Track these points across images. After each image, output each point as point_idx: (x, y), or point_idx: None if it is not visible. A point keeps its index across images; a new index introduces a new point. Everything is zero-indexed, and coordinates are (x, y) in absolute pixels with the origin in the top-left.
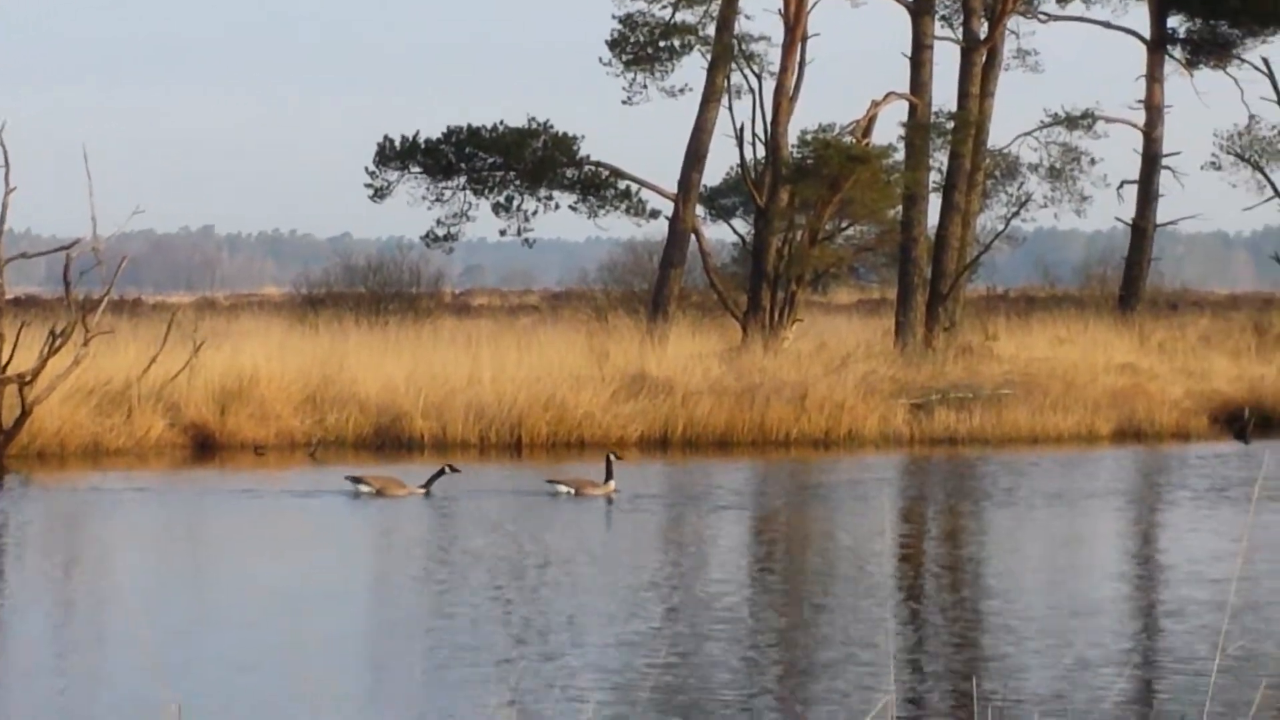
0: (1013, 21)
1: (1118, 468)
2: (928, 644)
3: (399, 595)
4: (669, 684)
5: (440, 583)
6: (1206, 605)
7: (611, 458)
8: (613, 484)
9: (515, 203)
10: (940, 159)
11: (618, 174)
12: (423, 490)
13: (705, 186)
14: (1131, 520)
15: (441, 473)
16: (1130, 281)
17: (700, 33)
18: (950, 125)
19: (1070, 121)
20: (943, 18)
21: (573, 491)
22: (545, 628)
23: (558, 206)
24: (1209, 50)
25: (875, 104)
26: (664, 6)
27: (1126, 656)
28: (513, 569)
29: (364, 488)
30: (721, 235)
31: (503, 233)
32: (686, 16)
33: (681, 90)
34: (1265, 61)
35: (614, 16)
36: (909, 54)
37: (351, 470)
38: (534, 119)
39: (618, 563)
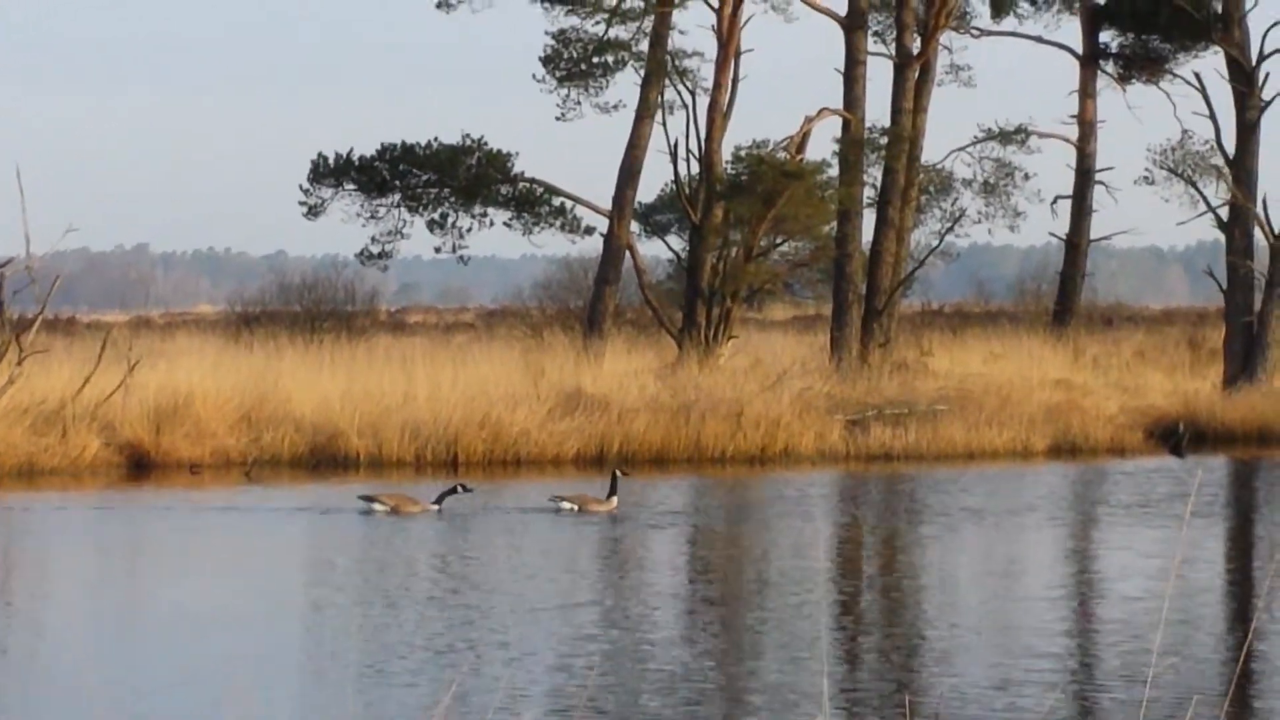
0: (945, 37)
1: (1053, 484)
2: (861, 663)
3: (323, 615)
4: (600, 703)
5: (366, 602)
6: (1139, 622)
7: (618, 474)
8: (614, 500)
9: (450, 220)
10: (874, 174)
11: (552, 191)
12: (435, 507)
13: (640, 203)
14: (1066, 537)
15: (454, 490)
16: (1064, 297)
17: (634, 49)
18: (884, 141)
19: (1004, 137)
20: (876, 33)
21: (576, 508)
22: (477, 644)
23: (492, 224)
24: (1141, 65)
25: (809, 120)
26: (597, 23)
27: (1058, 675)
28: (448, 586)
29: (378, 506)
30: (656, 252)
31: (437, 250)
32: (620, 33)
33: (615, 106)
34: (1197, 76)
35: (547, 33)
36: (842, 70)
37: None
38: (468, 136)
39: (554, 579)
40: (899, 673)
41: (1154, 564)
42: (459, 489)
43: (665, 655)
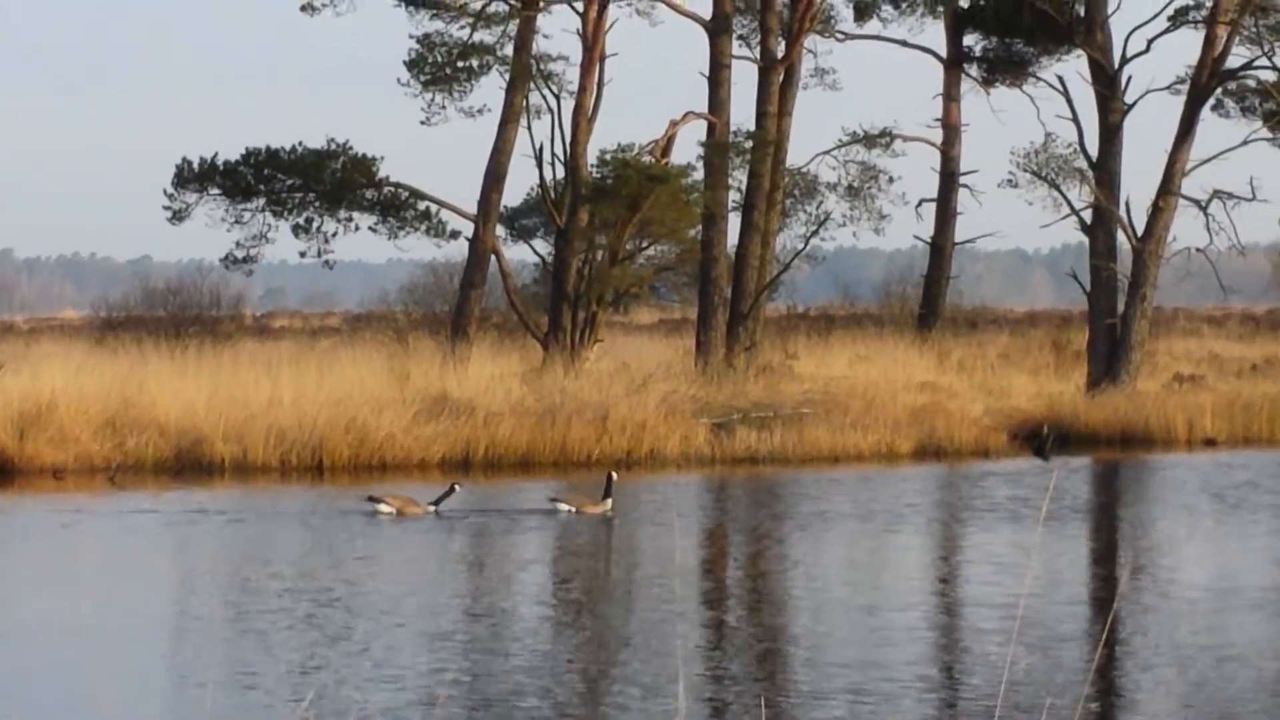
0: (810, 40)
1: (917, 486)
2: (719, 666)
3: (183, 623)
4: (461, 705)
5: (230, 604)
6: (995, 624)
7: (613, 475)
8: (609, 503)
9: (315, 224)
10: (739, 178)
11: (417, 195)
12: (434, 509)
13: (506, 207)
14: (928, 539)
15: (450, 491)
16: (929, 300)
17: (498, 53)
18: (749, 144)
19: (868, 140)
20: (740, 37)
21: (573, 510)
22: (344, 646)
23: (357, 228)
24: (1005, 69)
25: (674, 124)
26: (462, 27)
27: (912, 677)
28: (315, 588)
29: (384, 508)
30: (522, 256)
31: (303, 254)
32: (484, 37)
33: (480, 111)
34: (1060, 80)
35: (412, 37)
36: (707, 73)
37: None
38: (333, 140)
39: (422, 582)
40: (757, 674)
41: (1013, 566)
42: (454, 489)
43: (522, 657)
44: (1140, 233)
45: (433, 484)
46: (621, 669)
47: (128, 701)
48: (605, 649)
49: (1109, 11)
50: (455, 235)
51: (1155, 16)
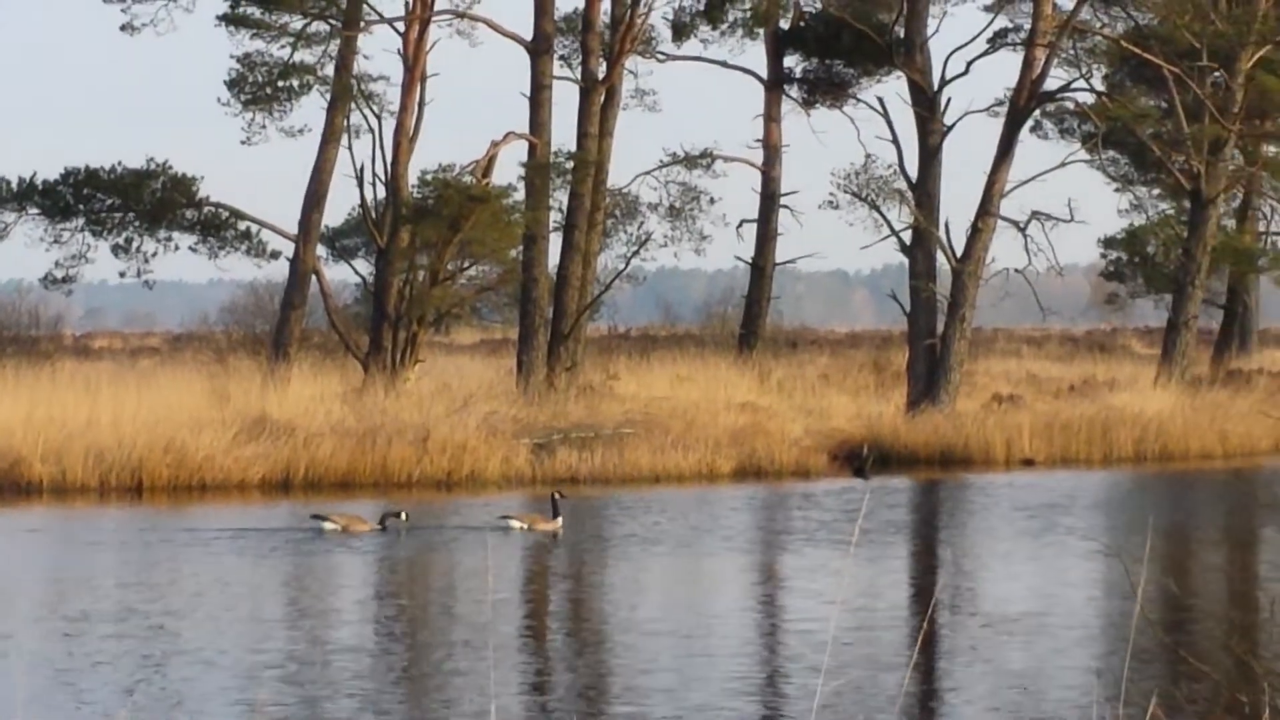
0: (631, 61)
1: (736, 506)
2: (533, 691)
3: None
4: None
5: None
6: (808, 644)
7: (556, 496)
8: (559, 521)
9: (134, 244)
10: (560, 198)
11: (237, 215)
12: (380, 527)
13: (327, 227)
14: (744, 559)
15: (397, 514)
16: (750, 320)
17: (319, 73)
18: (570, 165)
19: (689, 161)
20: (561, 57)
21: (526, 527)
22: (164, 664)
23: (177, 248)
24: (825, 90)
25: (495, 144)
26: (282, 47)
27: (724, 699)
28: (135, 605)
29: (329, 525)
30: (344, 276)
31: (122, 274)
32: (305, 56)
33: (301, 130)
34: (880, 101)
35: (232, 56)
36: (528, 94)
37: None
38: (153, 160)
39: (229, 605)
40: (572, 697)
41: (826, 589)
42: (402, 514)
43: (338, 679)
44: (959, 254)
45: (254, 505)
46: (431, 686)
47: None
48: (410, 680)
49: (928, 34)
50: (276, 255)
51: (974, 39)
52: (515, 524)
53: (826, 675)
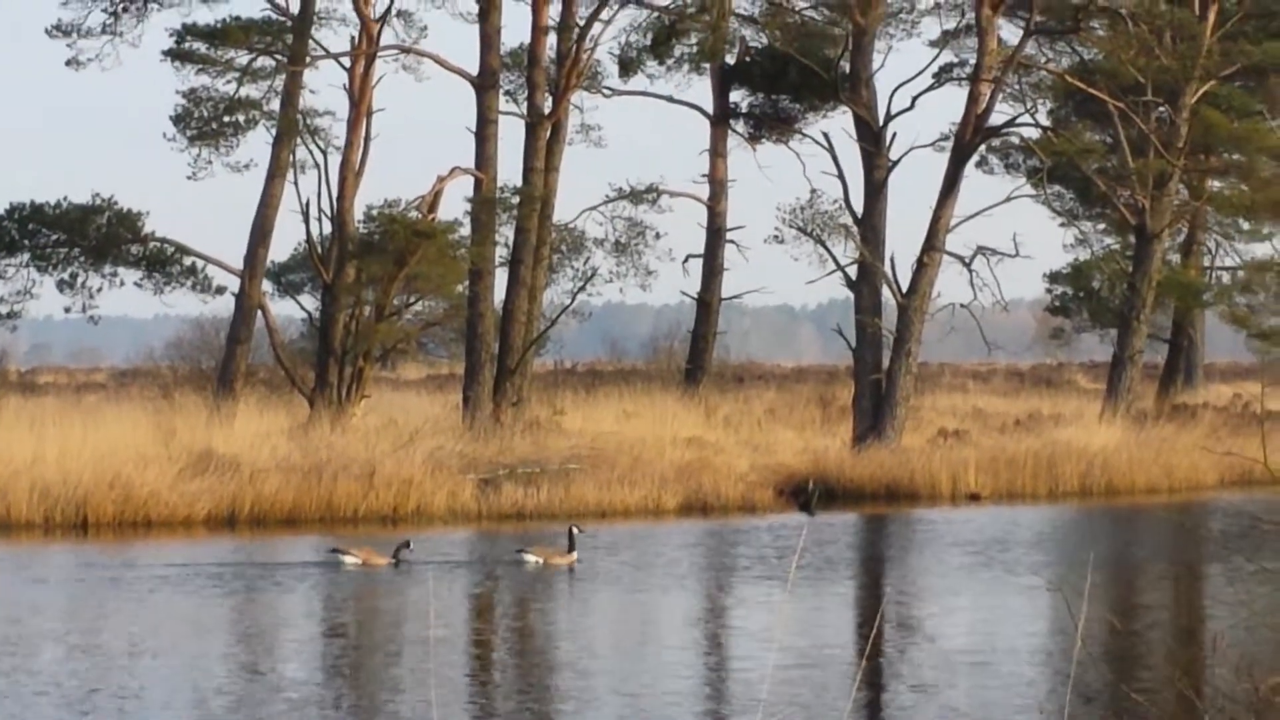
0: (577, 97)
1: (680, 541)
2: None
3: None
4: None
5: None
6: (749, 679)
7: (574, 530)
8: (575, 555)
9: (80, 280)
10: (506, 233)
11: (183, 250)
12: (394, 561)
13: (273, 262)
14: (688, 594)
15: (406, 545)
16: (696, 355)
17: (265, 108)
18: (516, 200)
19: (635, 196)
20: (507, 93)
21: (541, 561)
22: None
23: (123, 283)
24: (771, 125)
25: (441, 179)
26: (228, 82)
27: None
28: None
29: (349, 559)
30: (289, 311)
31: (68, 310)
32: (251, 91)
33: (247, 166)
34: (826, 136)
35: (178, 91)
36: (474, 129)
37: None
38: (98, 195)
39: (170, 641)
40: None
41: (769, 622)
42: (408, 545)
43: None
44: (905, 288)
45: (201, 541)
46: None
47: None
48: (361, 709)
49: (874, 69)
50: (221, 290)
51: (920, 74)
52: (531, 558)
53: (765, 712)
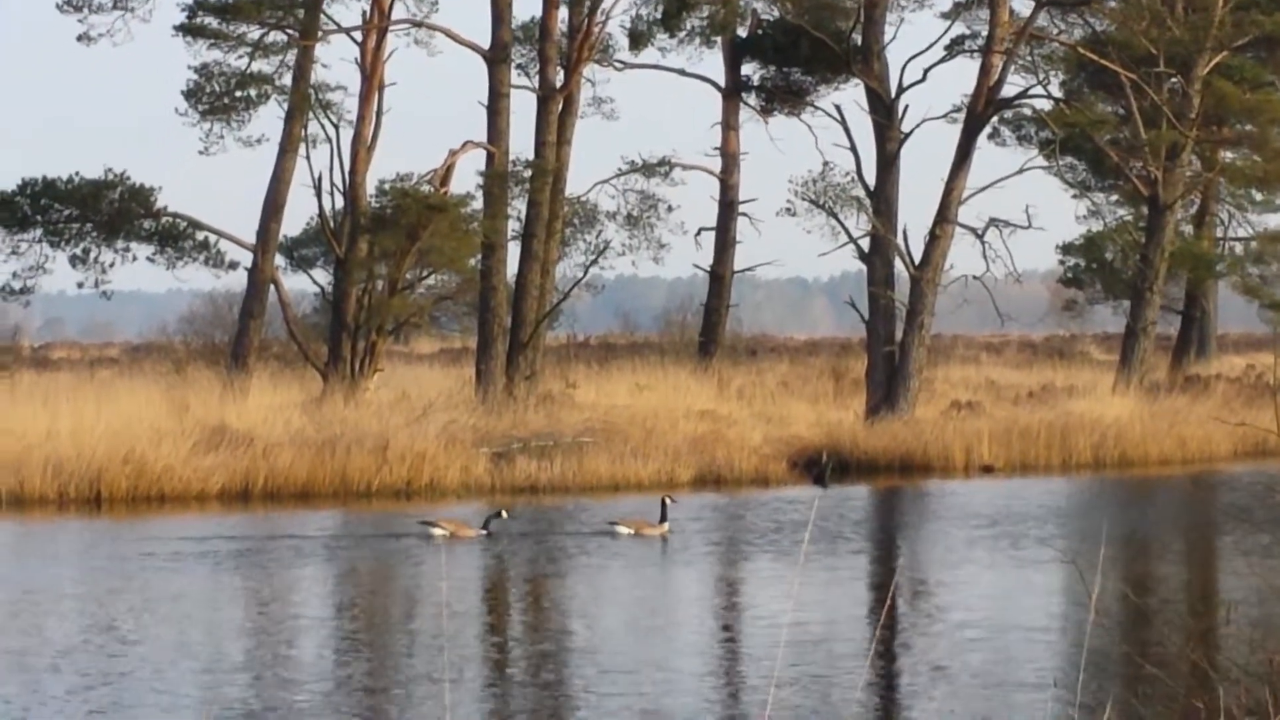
0: (589, 70)
1: (695, 514)
2: (493, 701)
3: None
4: None
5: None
6: (761, 650)
7: (667, 500)
8: (666, 525)
9: (92, 255)
10: (519, 207)
11: (195, 225)
12: (484, 532)
13: (285, 237)
14: (701, 571)
15: (497, 514)
16: (709, 328)
17: (277, 82)
18: (528, 173)
19: (647, 169)
20: (519, 66)
21: (632, 532)
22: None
23: (135, 258)
24: (783, 98)
25: (453, 153)
26: (240, 57)
27: (681, 705)
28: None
29: (437, 531)
30: (302, 286)
31: (80, 285)
32: (262, 66)
33: (259, 140)
34: (838, 108)
35: (190, 66)
36: (486, 103)
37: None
38: (110, 170)
39: (190, 614)
40: (531, 707)
41: (782, 597)
42: (502, 513)
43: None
44: (918, 260)
45: (213, 515)
46: (390, 699)
47: None
48: (378, 681)
49: (886, 41)
50: (234, 265)
51: (932, 46)
52: (623, 529)
53: (779, 684)
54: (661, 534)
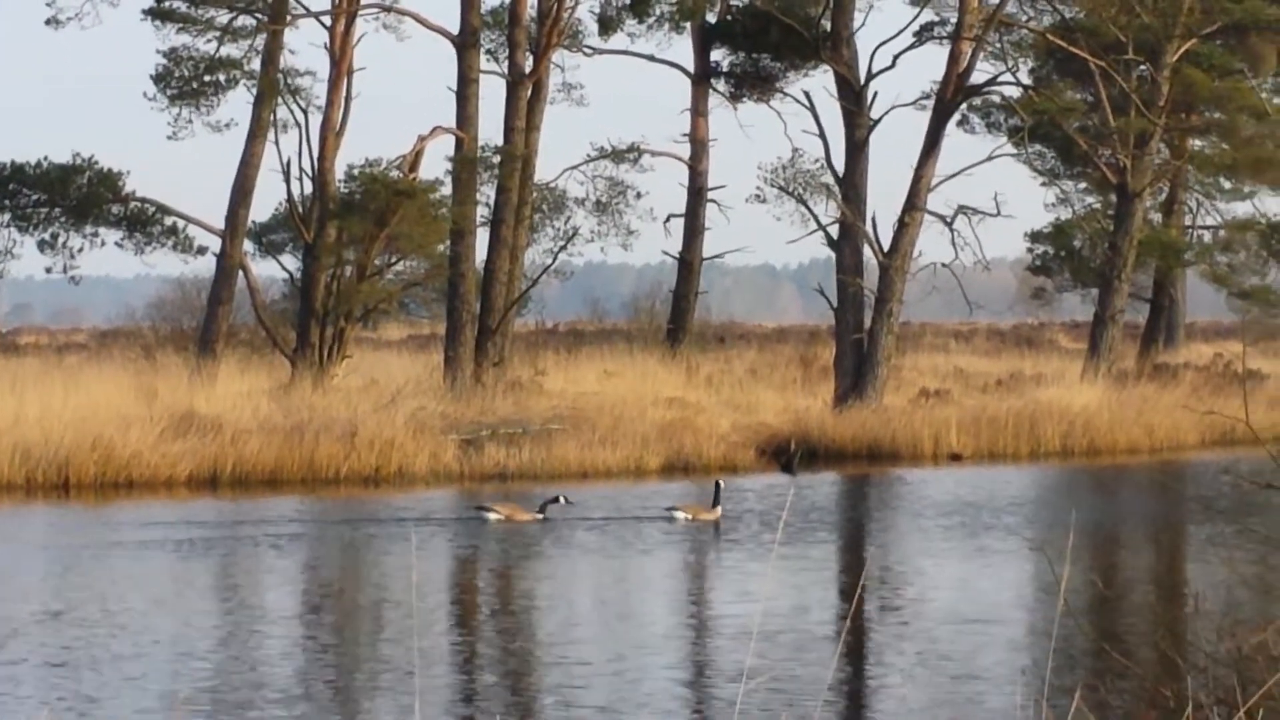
0: (558, 55)
1: (664, 502)
2: (460, 691)
3: None
4: None
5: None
6: (731, 639)
7: (719, 484)
8: (719, 510)
9: (60, 240)
10: (488, 193)
11: (164, 210)
12: (541, 516)
13: (254, 222)
14: (667, 557)
15: (555, 500)
16: (678, 315)
17: (245, 67)
18: (497, 159)
19: (616, 155)
20: (488, 52)
21: (690, 517)
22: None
23: (104, 244)
24: (752, 84)
25: (422, 138)
26: (209, 41)
27: (648, 693)
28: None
29: (493, 515)
30: (271, 272)
31: (49, 270)
32: (231, 51)
33: (228, 125)
34: (807, 95)
35: (159, 51)
36: (455, 88)
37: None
38: (78, 155)
39: (164, 603)
40: (500, 693)
41: (749, 586)
42: (561, 499)
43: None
44: (886, 248)
45: (181, 501)
46: (359, 689)
47: None
48: (346, 671)
49: (855, 27)
50: (203, 251)
51: (901, 32)
52: (680, 515)
53: (749, 673)
54: (716, 519)
